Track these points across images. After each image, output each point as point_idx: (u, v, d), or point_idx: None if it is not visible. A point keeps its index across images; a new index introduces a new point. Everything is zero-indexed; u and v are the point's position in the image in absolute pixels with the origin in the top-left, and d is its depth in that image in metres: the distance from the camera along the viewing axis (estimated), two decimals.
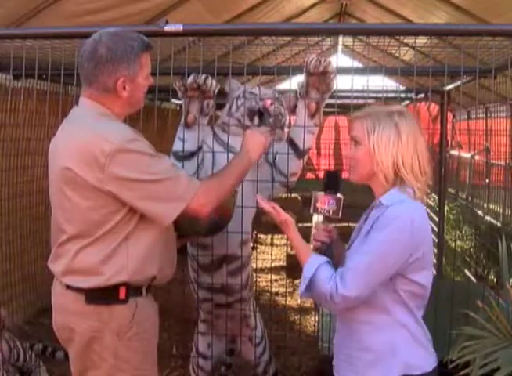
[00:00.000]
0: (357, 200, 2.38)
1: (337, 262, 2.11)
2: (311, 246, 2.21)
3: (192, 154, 2.97)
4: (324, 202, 2.18)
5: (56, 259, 2.29)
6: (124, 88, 2.21)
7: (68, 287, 2.25)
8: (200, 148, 2.99)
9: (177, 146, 2.97)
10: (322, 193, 2.19)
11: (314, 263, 2.05)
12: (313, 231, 2.22)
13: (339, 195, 2.19)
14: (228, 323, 3.21)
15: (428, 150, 2.14)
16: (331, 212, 2.17)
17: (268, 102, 3.02)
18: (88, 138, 2.14)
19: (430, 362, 2.10)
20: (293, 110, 3.10)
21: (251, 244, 3.25)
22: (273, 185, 3.04)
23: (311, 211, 2.21)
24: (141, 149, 2.15)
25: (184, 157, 2.95)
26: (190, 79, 2.89)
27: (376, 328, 2.06)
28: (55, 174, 2.23)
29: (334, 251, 2.19)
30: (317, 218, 2.22)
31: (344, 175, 2.34)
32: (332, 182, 2.22)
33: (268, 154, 3.05)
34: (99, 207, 2.16)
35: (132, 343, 2.26)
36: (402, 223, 1.97)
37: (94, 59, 2.19)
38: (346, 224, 3.11)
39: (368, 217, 2.14)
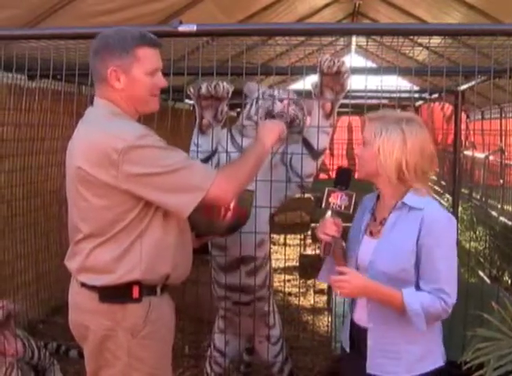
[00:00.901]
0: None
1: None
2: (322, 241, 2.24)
3: (207, 159, 2.99)
4: (336, 197, 2.23)
5: (72, 257, 2.31)
6: (119, 79, 2.20)
7: (83, 285, 2.27)
8: (214, 152, 3.01)
9: (193, 153, 3.00)
10: (332, 188, 2.24)
11: (413, 298, 2.09)
12: (320, 224, 2.25)
13: (350, 191, 2.24)
14: (247, 322, 3.23)
15: (435, 157, 2.26)
16: (343, 207, 2.23)
17: (281, 104, 3.01)
18: (101, 137, 2.14)
19: (444, 352, 2.27)
20: (308, 112, 3.10)
21: (268, 244, 3.25)
22: (289, 186, 3.04)
23: (323, 205, 2.26)
24: (152, 143, 2.14)
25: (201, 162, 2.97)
26: (204, 89, 2.91)
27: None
28: (71, 174, 2.24)
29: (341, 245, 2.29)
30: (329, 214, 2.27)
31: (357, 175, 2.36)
32: (343, 178, 2.27)
33: (284, 155, 3.05)
34: (114, 206, 2.16)
35: (146, 342, 2.26)
36: (451, 222, 2.16)
37: (95, 49, 2.24)
38: None
39: (385, 218, 2.22)
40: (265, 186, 2.88)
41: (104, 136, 2.14)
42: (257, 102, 3.07)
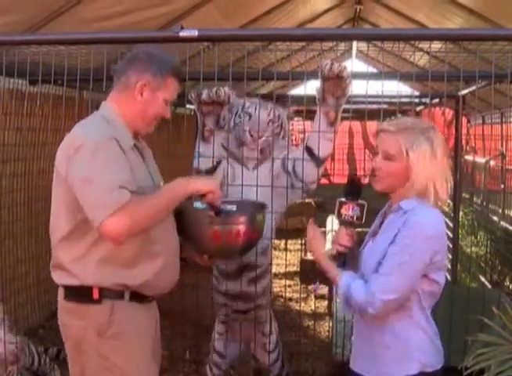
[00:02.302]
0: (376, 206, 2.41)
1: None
2: (333, 251, 2.25)
3: (213, 169, 3.01)
4: (348, 208, 2.23)
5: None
6: (142, 93, 2.30)
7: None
8: (218, 163, 3.03)
9: (196, 162, 3.02)
10: (343, 199, 2.24)
11: (345, 281, 2.13)
12: (333, 235, 2.27)
13: (362, 201, 2.24)
14: (246, 328, 3.24)
15: (450, 168, 2.23)
16: (355, 218, 2.24)
17: (250, 138, 3.05)
18: (72, 134, 2.25)
19: (439, 359, 2.21)
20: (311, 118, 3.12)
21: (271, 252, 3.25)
22: (293, 192, 3.06)
23: (336, 217, 2.27)
24: (104, 152, 2.15)
25: (206, 172, 2.98)
26: (204, 94, 2.92)
27: (399, 328, 2.15)
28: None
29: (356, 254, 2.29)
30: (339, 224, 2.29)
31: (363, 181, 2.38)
32: (353, 188, 2.27)
33: (285, 162, 3.06)
34: (65, 202, 2.23)
35: (114, 342, 2.27)
36: (426, 228, 2.08)
37: (135, 56, 2.34)
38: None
39: (383, 221, 2.24)
40: (269, 194, 2.90)
41: (74, 133, 2.25)
42: (236, 116, 3.10)
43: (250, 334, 3.30)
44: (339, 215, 2.24)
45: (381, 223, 2.27)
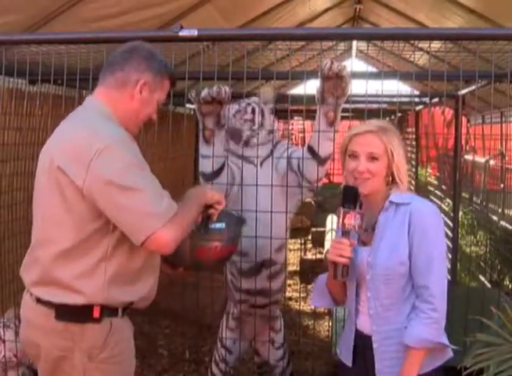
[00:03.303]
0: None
1: None
2: (330, 261, 2.21)
3: (219, 170, 3.04)
4: (351, 218, 2.17)
5: (30, 267, 2.16)
6: (141, 92, 2.20)
7: (38, 300, 2.11)
8: (223, 166, 3.06)
9: (203, 166, 3.05)
10: (346, 209, 2.17)
11: (414, 339, 2.14)
12: (330, 245, 2.23)
13: (361, 210, 2.19)
14: (258, 324, 3.26)
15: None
16: (357, 227, 2.18)
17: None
18: (82, 133, 2.06)
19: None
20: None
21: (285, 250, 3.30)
22: (302, 190, 3.13)
23: (340, 226, 2.20)
24: (131, 153, 2.05)
25: (212, 174, 3.01)
26: (204, 93, 2.92)
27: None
28: (43, 172, 2.15)
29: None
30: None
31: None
32: (351, 196, 2.21)
33: (290, 161, 3.10)
34: (74, 211, 2.03)
35: (104, 366, 2.09)
36: (436, 212, 2.24)
37: (132, 52, 2.22)
38: None
39: (374, 224, 2.26)
40: (281, 194, 2.94)
41: (85, 133, 2.05)
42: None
43: (261, 330, 3.36)
44: (343, 225, 2.17)
45: (366, 230, 2.27)
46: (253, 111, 3.22)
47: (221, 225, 2.43)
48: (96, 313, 2.07)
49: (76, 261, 2.05)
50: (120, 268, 2.08)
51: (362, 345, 2.29)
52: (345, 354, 2.35)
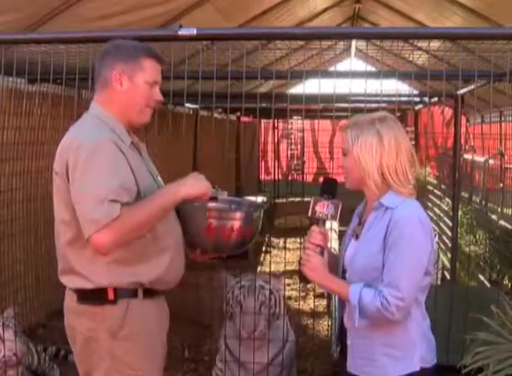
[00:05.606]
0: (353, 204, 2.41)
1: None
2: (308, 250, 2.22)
3: None
4: (322, 206, 2.20)
5: (59, 259, 2.36)
6: (121, 83, 2.26)
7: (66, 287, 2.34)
8: None
9: None
10: (319, 197, 2.22)
11: (355, 293, 2.10)
12: (308, 235, 2.23)
13: (336, 200, 2.21)
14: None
15: (412, 152, 2.20)
16: (329, 216, 2.21)
17: None
18: (68, 138, 2.23)
19: (433, 355, 2.23)
20: None
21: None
22: None
23: (310, 214, 2.22)
24: (102, 156, 2.13)
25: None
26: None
27: (399, 326, 2.13)
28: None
29: (328, 254, 2.27)
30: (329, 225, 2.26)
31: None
32: (329, 187, 2.26)
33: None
34: (70, 206, 2.17)
35: (127, 343, 2.26)
36: (418, 222, 2.10)
37: (103, 54, 2.32)
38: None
39: (361, 220, 2.26)
40: None
41: (69, 136, 2.22)
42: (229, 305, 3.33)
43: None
44: (313, 213, 2.21)
45: (360, 223, 2.27)
46: None
47: (222, 193, 2.53)
48: (111, 295, 2.24)
49: (81, 249, 2.21)
50: (117, 254, 2.19)
51: (345, 337, 2.29)
52: (334, 345, 2.39)
